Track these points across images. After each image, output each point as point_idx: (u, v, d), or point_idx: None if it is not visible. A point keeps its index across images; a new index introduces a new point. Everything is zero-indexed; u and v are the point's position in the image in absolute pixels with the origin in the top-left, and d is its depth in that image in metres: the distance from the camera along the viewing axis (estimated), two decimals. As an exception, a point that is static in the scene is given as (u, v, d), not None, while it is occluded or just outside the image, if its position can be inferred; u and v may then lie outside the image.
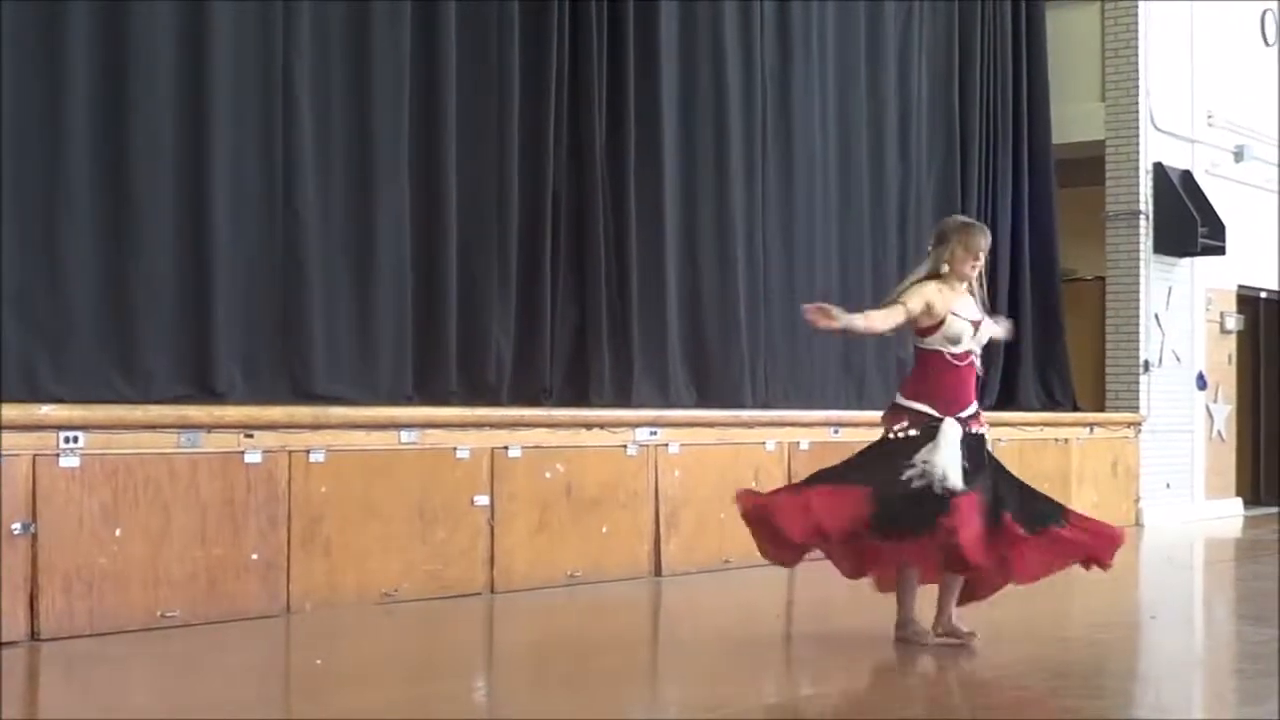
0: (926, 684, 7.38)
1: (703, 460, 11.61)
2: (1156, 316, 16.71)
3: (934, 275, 7.99)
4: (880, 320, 7.88)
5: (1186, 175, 17.21)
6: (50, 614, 7.75)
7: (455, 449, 9.91)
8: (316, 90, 10.02)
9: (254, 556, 8.68)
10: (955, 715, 6.62)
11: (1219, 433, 18.11)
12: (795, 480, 9.10)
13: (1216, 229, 17.04)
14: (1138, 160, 16.76)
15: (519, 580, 10.15)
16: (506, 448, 10.20)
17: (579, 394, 11.47)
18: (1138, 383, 16.62)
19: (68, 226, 8.78)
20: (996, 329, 8.34)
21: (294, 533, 8.93)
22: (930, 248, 8.15)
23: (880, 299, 14.20)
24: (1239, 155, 18.33)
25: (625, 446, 11.03)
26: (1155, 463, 16.67)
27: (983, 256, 8.03)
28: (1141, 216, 16.67)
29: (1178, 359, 17.20)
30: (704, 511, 11.52)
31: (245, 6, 9.63)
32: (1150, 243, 16.75)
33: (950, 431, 7.73)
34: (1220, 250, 17.17)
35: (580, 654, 8.14)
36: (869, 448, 8.08)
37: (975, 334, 7.95)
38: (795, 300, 13.39)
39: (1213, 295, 18.01)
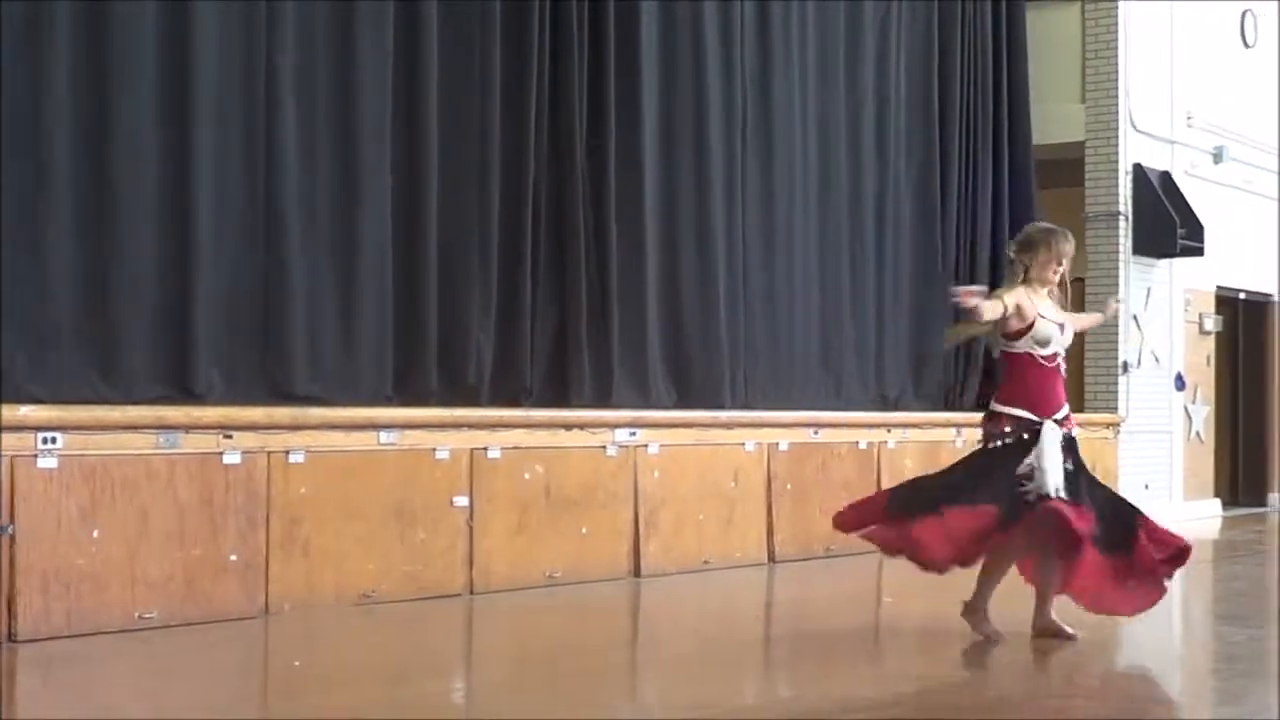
0: (907, 685, 7.38)
1: (682, 461, 11.61)
2: (1135, 317, 16.74)
3: (1021, 281, 8.15)
4: (988, 310, 7.96)
5: (1166, 176, 17.25)
6: (28, 615, 7.72)
7: (435, 450, 9.89)
8: (300, 90, 9.99)
9: (232, 557, 8.66)
10: (935, 716, 6.62)
11: (1197, 434, 18.15)
12: (882, 487, 9.08)
13: (1195, 230, 17.08)
14: (1117, 161, 16.80)
15: (498, 581, 10.13)
16: (486, 448, 10.19)
17: (559, 395, 11.46)
18: (1116, 384, 16.65)
19: (48, 226, 8.74)
20: (1087, 319, 8.70)
21: (273, 534, 8.91)
22: (1013, 255, 8.28)
23: (858, 299, 14.32)
24: (1218, 156, 18.38)
25: (605, 447, 11.02)
26: (1134, 463, 16.69)
27: (1066, 262, 8.20)
28: (1121, 217, 16.71)
29: (1156, 360, 17.24)
30: (683, 512, 11.52)
31: (228, 6, 9.60)
32: (1129, 244, 16.78)
33: (1051, 434, 7.95)
34: (1199, 251, 17.21)
35: (559, 655, 8.14)
36: (977, 456, 8.24)
37: (1062, 335, 8.14)
38: (775, 301, 13.44)
39: (1191, 296, 18.06)
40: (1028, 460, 7.88)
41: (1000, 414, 8.06)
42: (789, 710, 6.71)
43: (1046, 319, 8.08)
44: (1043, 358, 8.07)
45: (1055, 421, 8.00)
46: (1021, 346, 8.06)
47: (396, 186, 10.52)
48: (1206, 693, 7.49)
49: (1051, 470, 7.85)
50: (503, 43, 11.17)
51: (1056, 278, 8.19)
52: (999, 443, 8.00)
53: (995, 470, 7.98)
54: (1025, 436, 7.95)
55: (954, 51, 15.79)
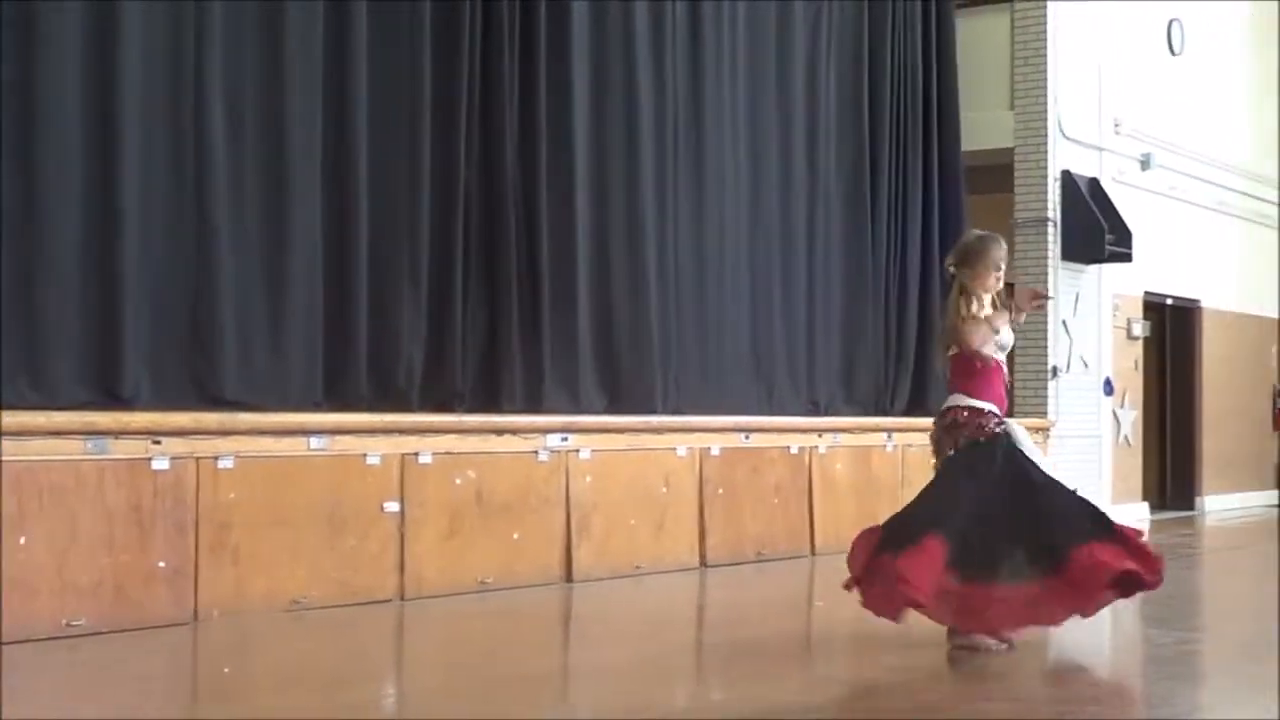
0: (836, 689, 7.41)
1: (614, 466, 11.61)
2: (1064, 323, 16.86)
3: (960, 294, 8.23)
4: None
5: (1094, 183, 17.38)
6: (-47, 623, 7.66)
7: (365, 455, 9.86)
8: (228, 94, 9.92)
9: (161, 564, 8.60)
10: (868, 718, 6.64)
11: (1125, 438, 18.29)
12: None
13: (1123, 236, 17.22)
14: (1046, 168, 16.92)
15: (429, 587, 10.11)
16: (417, 454, 10.16)
17: (490, 400, 11.43)
18: (1046, 388, 16.76)
19: (-29, 231, 8.67)
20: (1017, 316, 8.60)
21: (202, 540, 8.86)
22: (952, 269, 8.30)
23: (790, 304, 14.34)
24: (1145, 163, 18.55)
25: (536, 452, 11.01)
26: (1063, 467, 16.72)
27: (1004, 267, 8.26)
28: (1050, 223, 16.82)
29: (1085, 365, 17.36)
30: (615, 517, 11.52)
31: (155, 6, 9.52)
32: (1058, 250, 16.90)
33: (1018, 430, 8.20)
34: (1127, 257, 17.35)
35: (491, 661, 8.12)
36: (954, 469, 8.16)
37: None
38: (706, 305, 13.45)
39: (1119, 302, 18.21)
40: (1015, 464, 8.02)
41: (979, 409, 8.11)
42: (720, 714, 6.72)
43: (1003, 328, 8.20)
44: (998, 362, 8.23)
45: None
46: (988, 351, 8.17)
47: (326, 190, 10.47)
48: (1134, 695, 7.54)
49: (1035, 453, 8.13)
50: (433, 45, 11.15)
51: (999, 284, 8.25)
52: (991, 432, 8.03)
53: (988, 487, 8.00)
54: (999, 429, 8.07)
55: (884, 57, 15.85)
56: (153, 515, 8.59)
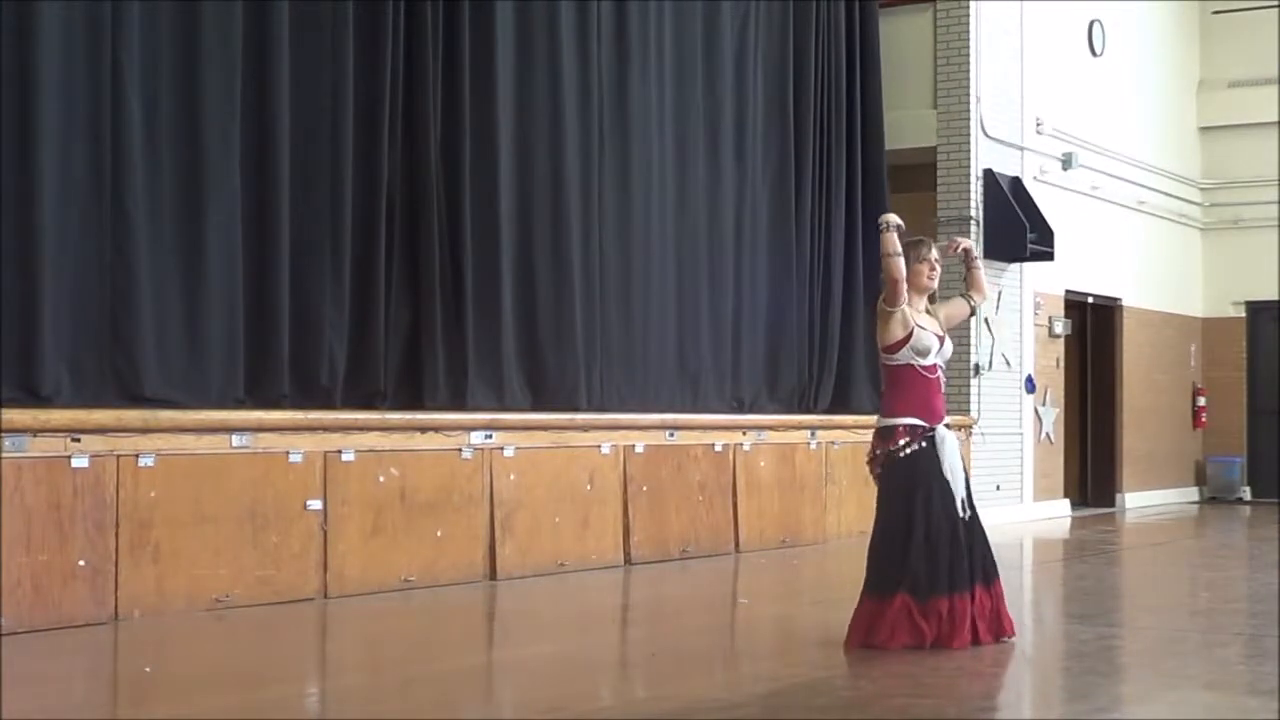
0: (760, 686, 7.42)
1: (538, 463, 11.60)
2: (987, 321, 16.94)
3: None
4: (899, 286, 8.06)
5: (1016, 182, 17.49)
6: None
7: (288, 452, 9.81)
8: (145, 89, 9.85)
9: (81, 563, 8.54)
10: (786, 716, 6.65)
11: (1047, 435, 18.41)
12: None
13: (1045, 235, 17.33)
14: (969, 167, 17.00)
15: (352, 585, 10.07)
16: (340, 451, 10.12)
17: (413, 397, 11.40)
18: (968, 386, 16.85)
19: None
20: (955, 307, 8.60)
21: (122, 538, 8.79)
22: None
23: (715, 302, 14.36)
24: (1066, 162, 18.68)
25: (460, 450, 10.98)
26: (985, 465, 16.89)
27: (934, 264, 8.24)
28: (972, 222, 16.90)
29: (1007, 363, 17.47)
30: (539, 515, 11.51)
31: (72, 5, 9.43)
32: (981, 248, 16.97)
33: (950, 438, 8.10)
34: (1049, 256, 17.47)
35: (414, 658, 8.10)
36: (887, 493, 8.13)
37: (940, 349, 8.18)
38: (631, 303, 13.45)
39: (1041, 300, 18.33)
40: (937, 484, 7.97)
41: (894, 428, 8.09)
42: (644, 712, 6.72)
43: (925, 330, 8.12)
44: (923, 368, 8.11)
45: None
46: (902, 358, 8.10)
47: (246, 188, 10.41)
48: (1055, 690, 7.59)
49: (958, 477, 8.01)
50: (356, 43, 11.10)
51: (932, 282, 8.26)
52: (901, 455, 8.02)
53: (918, 504, 7.98)
54: (923, 444, 8.01)
55: (809, 56, 15.89)
56: (72, 514, 8.52)
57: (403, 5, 11.42)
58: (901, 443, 8.03)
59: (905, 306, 8.09)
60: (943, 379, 8.27)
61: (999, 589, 8.19)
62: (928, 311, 8.27)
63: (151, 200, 9.87)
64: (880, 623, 7.92)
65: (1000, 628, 8.14)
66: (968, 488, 8.15)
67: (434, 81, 11.63)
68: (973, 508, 8.13)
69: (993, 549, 8.25)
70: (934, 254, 8.24)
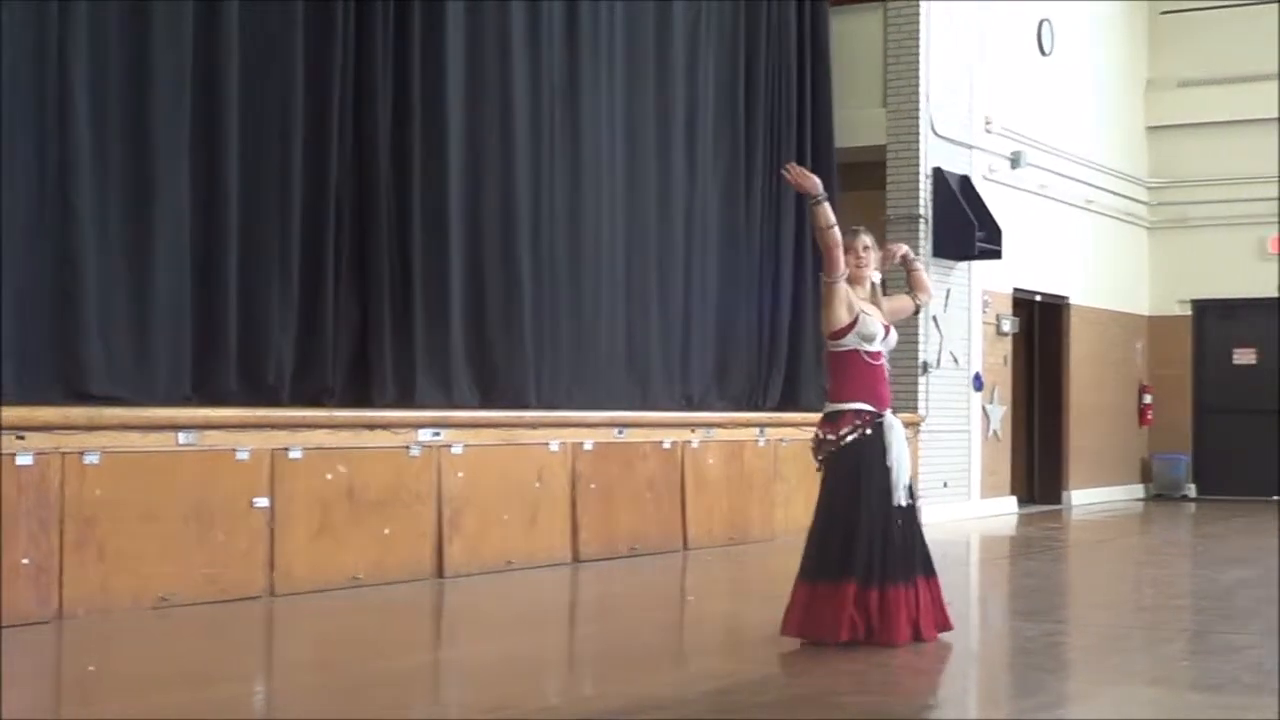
0: (708, 683, 7.42)
1: (486, 461, 11.58)
2: (935, 319, 17.00)
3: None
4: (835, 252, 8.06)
5: (965, 180, 17.55)
6: None
7: (235, 450, 9.77)
8: (94, 87, 9.79)
9: (25, 561, 8.48)
10: (733, 715, 6.66)
11: (995, 432, 18.49)
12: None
13: (993, 233, 17.40)
14: (918, 165, 17.05)
15: (300, 583, 10.04)
16: (287, 449, 10.08)
17: (361, 394, 11.37)
18: (916, 384, 16.89)
19: None
20: (899, 302, 8.60)
21: (67, 536, 8.74)
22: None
23: (664, 299, 14.37)
24: (1015, 161, 18.76)
25: (408, 447, 10.96)
26: (933, 462, 16.96)
27: (868, 254, 8.26)
28: (921, 220, 16.95)
29: (955, 361, 17.53)
30: (487, 513, 11.50)
31: (19, 4, 9.36)
32: (929, 246, 17.03)
33: (896, 424, 8.11)
34: (997, 254, 17.53)
35: (361, 657, 8.07)
36: (832, 479, 8.13)
37: (885, 337, 8.20)
38: (581, 300, 13.45)
39: (989, 298, 18.40)
40: (879, 474, 7.98)
41: (840, 412, 8.10)
42: (591, 710, 6.72)
43: (870, 316, 8.15)
44: (868, 355, 8.12)
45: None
46: (848, 343, 8.11)
47: (194, 185, 10.36)
48: (1001, 687, 7.62)
49: (903, 465, 8.03)
50: (305, 42, 11.07)
51: (868, 270, 8.26)
52: (849, 440, 8.04)
53: (863, 493, 8.00)
54: (869, 432, 8.03)
55: (759, 55, 15.91)
56: (16, 511, 8.46)
57: (352, 4, 11.39)
58: (847, 429, 8.05)
59: (850, 293, 8.12)
60: (887, 368, 8.28)
61: (938, 583, 8.23)
62: (873, 300, 8.30)
63: (99, 198, 9.81)
64: (820, 610, 7.91)
65: (942, 622, 8.17)
66: (912, 478, 8.19)
67: (383, 80, 11.60)
68: (914, 499, 8.16)
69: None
70: (866, 240, 8.26)
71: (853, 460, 8.04)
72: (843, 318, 8.09)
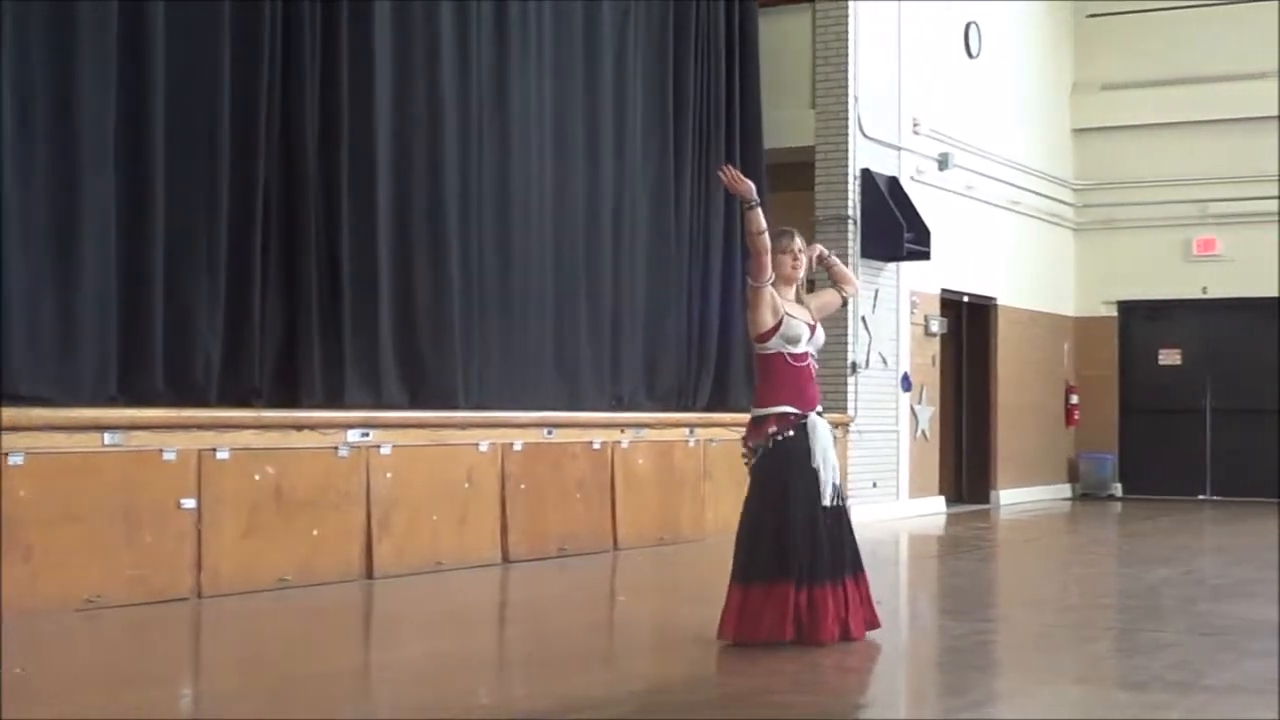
0: (638, 683, 7.42)
1: (415, 461, 11.54)
2: (864, 319, 17.06)
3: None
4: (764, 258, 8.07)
5: (893, 182, 17.62)
6: None
7: (161, 451, 9.70)
8: (19, 86, 9.68)
9: (-51, 563, 8.40)
10: (663, 715, 6.66)
11: (923, 432, 18.57)
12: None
13: (922, 234, 17.48)
14: (846, 166, 17.11)
15: (227, 584, 9.97)
16: (215, 449, 10.02)
17: (289, 395, 11.31)
18: (845, 384, 16.95)
19: None
20: (826, 298, 8.61)
21: (-9, 538, 8.66)
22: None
23: (593, 300, 14.37)
24: (943, 163, 18.84)
25: (336, 448, 10.91)
26: (862, 462, 17.02)
27: (798, 254, 8.23)
28: (850, 221, 17.01)
29: (884, 361, 17.59)
30: (416, 513, 11.46)
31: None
32: (858, 247, 17.09)
33: (821, 425, 8.10)
34: (925, 255, 17.62)
35: (289, 659, 8.04)
36: (760, 480, 8.11)
37: (811, 337, 8.19)
38: (510, 301, 13.42)
39: (917, 299, 18.48)
40: (806, 476, 7.97)
41: (764, 417, 8.11)
42: (522, 710, 6.71)
43: (795, 318, 8.15)
44: (793, 357, 8.12)
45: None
46: (773, 346, 8.11)
47: (120, 183, 10.28)
48: (930, 686, 7.65)
49: (830, 462, 8.03)
50: (232, 42, 10.99)
51: (797, 272, 8.27)
52: (774, 443, 8.04)
53: (790, 494, 7.99)
54: (791, 434, 8.02)
55: (688, 55, 15.92)
56: (-61, 513, 8.37)
57: (279, 4, 11.32)
58: (772, 430, 8.06)
59: (775, 296, 8.12)
60: (814, 367, 8.28)
61: (866, 581, 8.24)
62: (799, 301, 8.31)
63: (24, 197, 9.71)
64: (756, 611, 7.91)
65: (870, 620, 8.19)
66: (839, 478, 8.20)
67: (311, 80, 11.55)
68: (842, 499, 8.17)
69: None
70: (798, 244, 8.27)
71: (780, 462, 8.05)
72: (767, 321, 8.10)
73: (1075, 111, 22.97)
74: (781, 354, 8.12)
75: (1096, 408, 22.74)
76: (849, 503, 8.39)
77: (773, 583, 7.92)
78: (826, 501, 8.03)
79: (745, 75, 16.78)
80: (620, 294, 14.85)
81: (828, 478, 8.04)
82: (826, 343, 8.61)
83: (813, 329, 8.24)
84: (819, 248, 8.63)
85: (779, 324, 8.09)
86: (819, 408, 8.22)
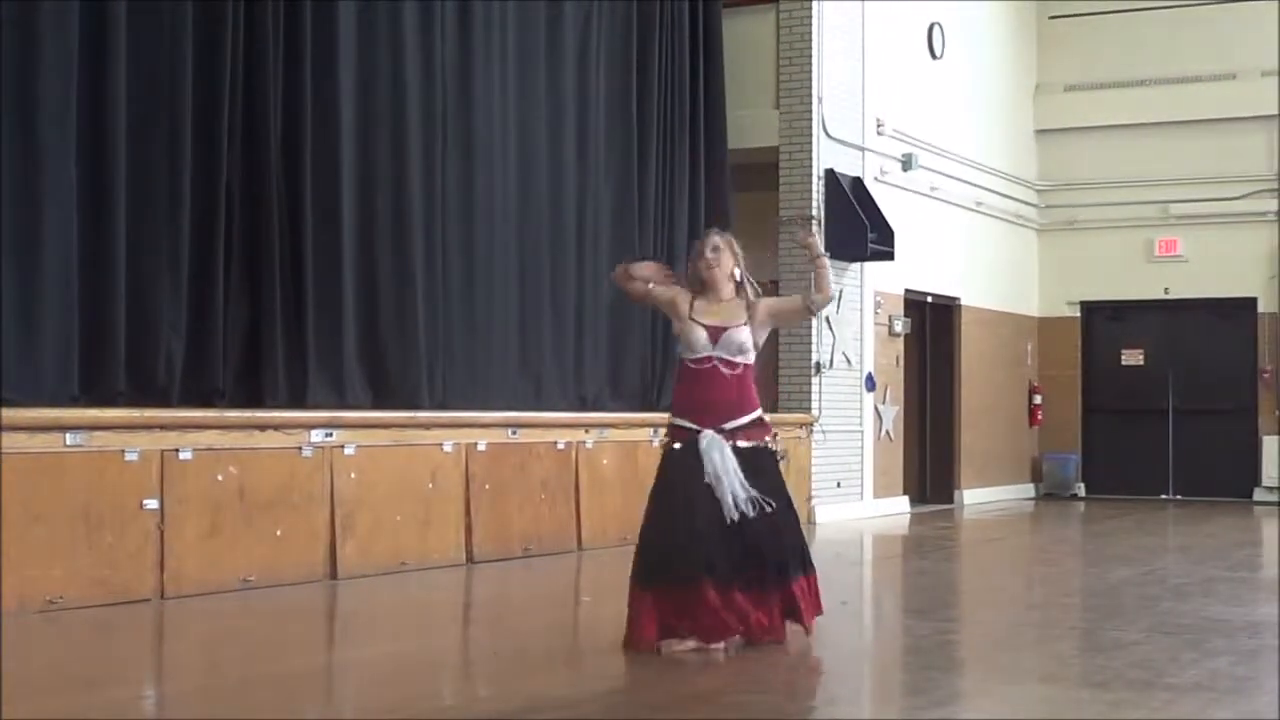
0: (602, 683, 7.42)
1: (379, 462, 11.52)
2: (828, 319, 17.06)
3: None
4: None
5: (857, 182, 17.64)
6: None
7: (124, 451, 9.66)
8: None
9: (-92, 564, 8.35)
10: (627, 715, 6.66)
11: (887, 433, 18.60)
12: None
13: (885, 235, 17.50)
14: (810, 166, 17.12)
15: (190, 585, 9.94)
16: (177, 450, 9.98)
17: (252, 395, 11.28)
18: (809, 384, 16.97)
19: None
20: (786, 303, 8.67)
21: (-49, 539, 8.61)
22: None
23: (558, 300, 14.36)
24: (906, 164, 18.87)
25: (300, 448, 10.88)
26: (826, 462, 17.04)
27: (717, 255, 8.07)
28: (814, 221, 17.01)
29: (848, 361, 17.61)
30: (380, 514, 11.44)
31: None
32: (821, 247, 17.05)
33: (713, 448, 7.75)
34: (889, 255, 17.64)
35: (252, 660, 8.01)
36: (662, 484, 7.96)
37: (717, 342, 7.91)
38: (474, 301, 13.40)
39: (881, 299, 18.51)
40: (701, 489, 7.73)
41: (670, 425, 8.01)
42: (486, 711, 6.70)
43: (695, 323, 7.94)
44: (693, 362, 7.93)
45: (725, 431, 7.81)
46: (678, 352, 8.09)
47: (82, 182, 10.24)
48: (894, 685, 7.67)
49: (725, 479, 7.73)
50: (196, 39, 10.96)
51: (710, 272, 8.03)
52: (671, 450, 7.93)
53: (693, 502, 7.78)
54: (679, 447, 7.85)
55: (652, 54, 15.92)
56: (-102, 514, 8.32)
57: (242, 4, 11.29)
58: (668, 439, 7.99)
59: (681, 303, 8.02)
60: (726, 369, 7.90)
61: (815, 578, 8.12)
62: (742, 300, 8.06)
63: (-17, 195, 9.68)
64: (676, 613, 7.75)
65: (817, 609, 8.09)
66: (773, 484, 7.94)
67: (275, 78, 11.52)
68: (771, 504, 7.83)
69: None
70: (716, 241, 8.13)
71: (681, 471, 7.82)
72: (675, 327, 8.08)
73: (1038, 112, 23.04)
74: (683, 359, 8.02)
75: (1060, 408, 22.82)
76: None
77: (689, 585, 7.68)
78: (734, 517, 7.69)
79: (709, 75, 16.79)
80: (584, 294, 14.85)
81: (731, 494, 7.71)
82: (791, 343, 8.56)
83: (719, 332, 7.92)
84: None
85: (680, 331, 8.03)
86: (743, 419, 7.90)
